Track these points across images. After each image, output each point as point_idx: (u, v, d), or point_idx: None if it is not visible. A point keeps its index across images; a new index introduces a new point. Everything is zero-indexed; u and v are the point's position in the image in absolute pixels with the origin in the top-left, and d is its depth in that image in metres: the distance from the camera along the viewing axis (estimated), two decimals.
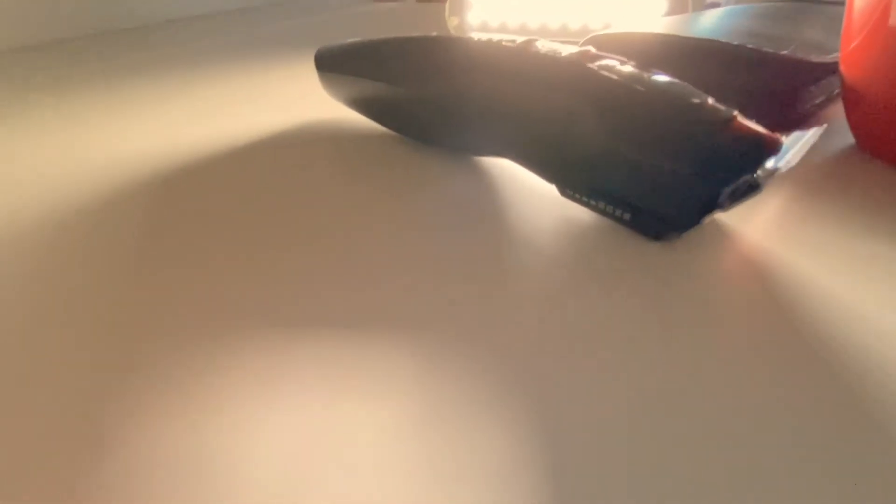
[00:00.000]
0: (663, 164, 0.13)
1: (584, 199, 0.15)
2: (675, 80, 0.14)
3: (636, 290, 0.12)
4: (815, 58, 0.23)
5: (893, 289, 0.13)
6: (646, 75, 0.14)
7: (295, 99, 0.30)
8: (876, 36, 0.19)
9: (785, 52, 0.23)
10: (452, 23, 0.45)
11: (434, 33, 0.19)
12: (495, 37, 0.18)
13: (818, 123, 0.24)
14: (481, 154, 0.19)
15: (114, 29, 0.62)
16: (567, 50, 0.15)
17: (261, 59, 0.42)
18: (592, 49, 0.16)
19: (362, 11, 0.85)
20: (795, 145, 0.11)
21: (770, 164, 0.11)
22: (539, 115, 0.15)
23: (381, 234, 0.16)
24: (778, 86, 0.24)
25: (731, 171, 0.12)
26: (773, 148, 0.12)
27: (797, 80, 0.24)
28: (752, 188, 0.12)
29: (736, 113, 0.13)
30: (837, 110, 0.26)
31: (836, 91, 0.26)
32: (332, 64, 0.23)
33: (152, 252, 0.15)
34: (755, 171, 0.12)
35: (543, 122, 0.15)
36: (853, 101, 0.22)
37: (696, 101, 0.13)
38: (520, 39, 0.17)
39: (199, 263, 0.14)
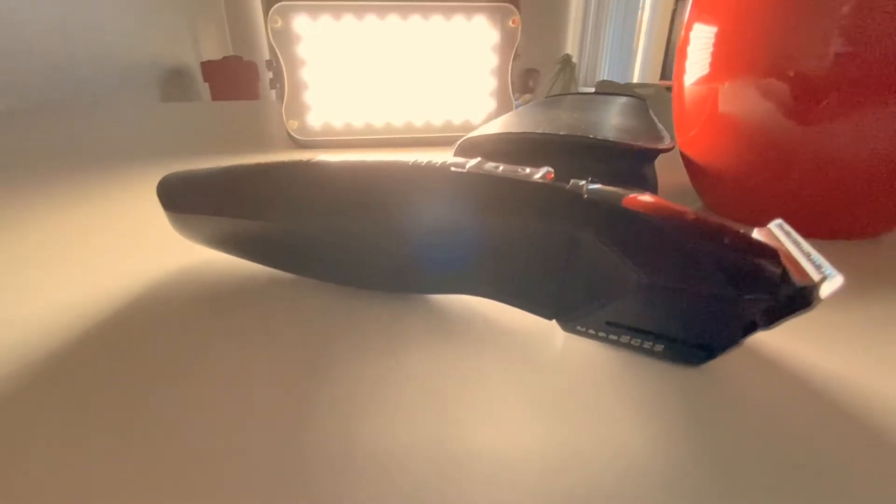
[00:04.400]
0: (695, 289, 0.11)
1: (601, 334, 0.12)
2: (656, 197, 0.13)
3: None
4: (658, 144, 0.27)
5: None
6: (622, 191, 0.13)
7: (128, 236, 0.21)
8: (712, 123, 0.23)
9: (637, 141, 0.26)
10: (292, 126, 0.41)
11: (319, 157, 0.15)
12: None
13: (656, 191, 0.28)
14: (432, 292, 0.16)
15: None
16: (535, 173, 0.13)
17: (60, 182, 0.31)
18: (550, 170, 0.14)
19: (153, 110, 0.74)
20: (824, 260, 0.11)
21: (827, 283, 0.10)
22: (526, 249, 0.12)
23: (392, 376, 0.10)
24: (631, 169, 0.27)
25: (758, 287, 0.11)
26: (776, 258, 0.11)
27: (642, 162, 0.27)
28: (801, 304, 0.11)
29: (726, 226, 0.12)
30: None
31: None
32: (189, 202, 0.17)
33: None
34: (775, 284, 0.11)
35: (535, 256, 0.12)
36: (699, 175, 0.25)
37: (693, 218, 0.12)
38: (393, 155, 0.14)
39: None
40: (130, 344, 0.14)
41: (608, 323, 0.12)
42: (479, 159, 0.14)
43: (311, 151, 0.42)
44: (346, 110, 0.42)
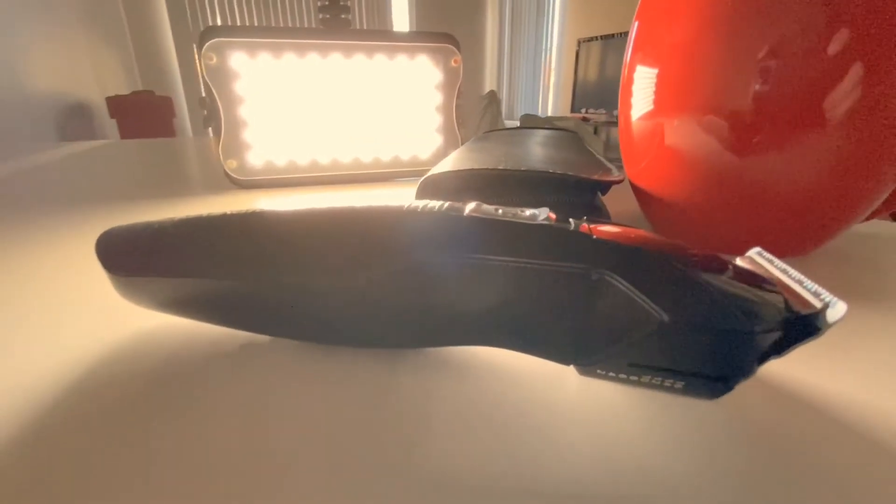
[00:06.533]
0: (714, 325, 0.11)
1: (622, 376, 0.12)
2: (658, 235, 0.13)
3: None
4: (611, 176, 0.28)
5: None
6: (621, 227, 0.13)
7: (62, 302, 0.18)
8: (660, 157, 0.24)
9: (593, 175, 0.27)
10: (230, 166, 0.38)
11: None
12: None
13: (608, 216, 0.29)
14: (438, 345, 0.14)
15: None
16: (538, 214, 0.13)
17: None
18: (550, 210, 0.13)
19: (53, 152, 0.66)
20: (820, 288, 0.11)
21: (832, 310, 0.11)
22: (542, 294, 0.12)
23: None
24: (585, 200, 0.28)
25: (774, 319, 0.11)
26: (775, 288, 0.12)
27: (595, 193, 0.28)
28: (812, 332, 0.11)
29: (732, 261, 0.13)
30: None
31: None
32: (139, 263, 0.14)
33: None
34: (786, 315, 0.11)
35: (551, 301, 0.12)
36: (650, 203, 0.27)
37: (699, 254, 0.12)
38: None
39: None
40: (82, 435, 0.11)
41: (630, 364, 0.12)
42: (475, 203, 0.13)
43: (253, 192, 0.39)
44: (290, 148, 0.40)
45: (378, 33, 0.38)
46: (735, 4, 0.21)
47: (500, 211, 0.13)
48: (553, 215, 0.13)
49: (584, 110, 3.39)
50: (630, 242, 0.12)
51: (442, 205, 0.13)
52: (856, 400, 0.13)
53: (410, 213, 0.13)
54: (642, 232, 0.13)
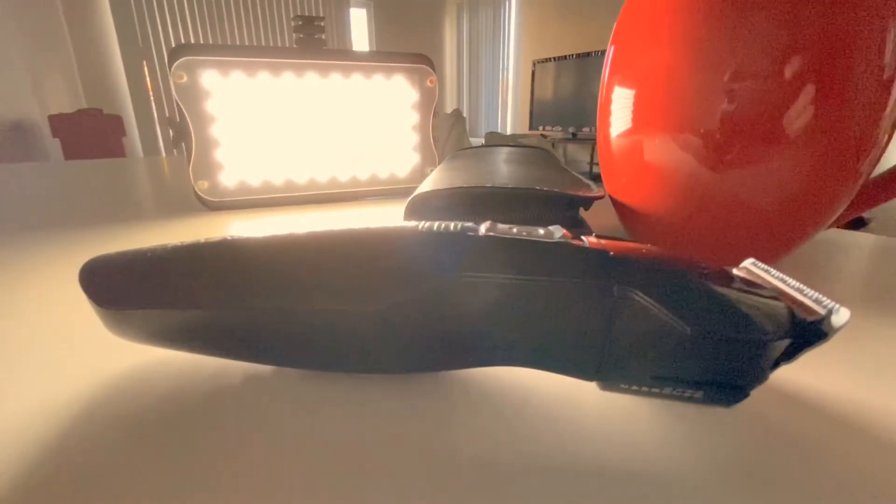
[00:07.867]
0: (734, 335, 0.11)
1: (645, 388, 0.12)
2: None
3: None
4: (595, 192, 0.29)
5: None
6: (630, 243, 0.13)
7: (44, 338, 0.16)
8: (640, 173, 0.25)
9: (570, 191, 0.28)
10: (202, 187, 0.37)
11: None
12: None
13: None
14: (454, 368, 0.14)
15: None
16: (553, 232, 0.13)
17: None
18: (559, 230, 0.14)
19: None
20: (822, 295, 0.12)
21: (836, 315, 0.11)
22: (565, 313, 0.12)
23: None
24: (568, 216, 0.28)
25: (788, 328, 0.11)
26: (780, 297, 0.12)
27: (577, 209, 0.29)
28: (820, 338, 0.12)
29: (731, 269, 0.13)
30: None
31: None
32: (132, 295, 0.13)
33: None
34: (798, 323, 0.12)
35: (574, 319, 0.12)
36: (630, 217, 0.28)
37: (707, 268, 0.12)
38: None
39: None
40: (73, 482, 0.10)
41: (653, 377, 0.12)
42: (489, 222, 0.13)
43: (225, 213, 0.37)
44: (265, 168, 0.38)
45: (354, 53, 0.38)
46: (704, 30, 0.22)
47: (515, 230, 0.13)
48: (568, 232, 0.13)
49: (541, 127, 3.51)
50: (644, 257, 0.12)
51: (456, 225, 0.13)
52: (847, 399, 0.14)
53: (428, 235, 0.12)
54: (650, 246, 0.13)
